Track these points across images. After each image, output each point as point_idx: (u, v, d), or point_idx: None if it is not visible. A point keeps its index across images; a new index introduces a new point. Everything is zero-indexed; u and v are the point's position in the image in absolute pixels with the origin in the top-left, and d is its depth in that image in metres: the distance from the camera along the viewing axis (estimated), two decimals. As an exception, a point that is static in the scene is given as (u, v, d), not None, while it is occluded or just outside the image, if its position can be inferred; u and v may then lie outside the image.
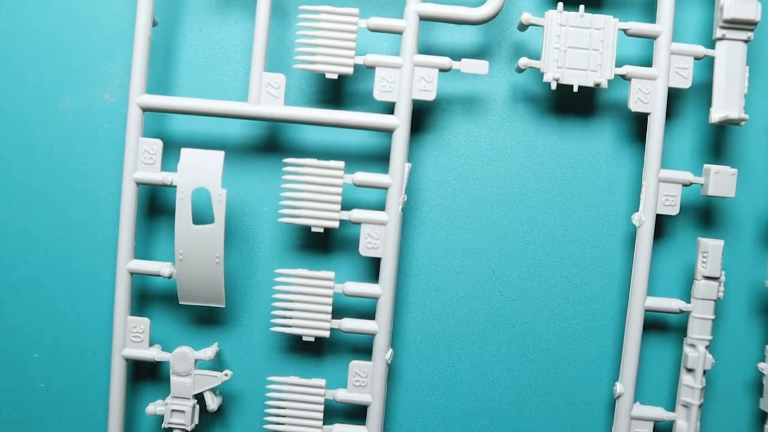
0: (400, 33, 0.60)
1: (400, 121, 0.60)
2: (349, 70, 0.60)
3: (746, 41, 0.60)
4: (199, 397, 0.62)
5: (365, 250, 0.61)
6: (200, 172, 0.59)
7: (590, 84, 0.61)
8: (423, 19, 0.60)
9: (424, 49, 0.62)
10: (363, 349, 0.63)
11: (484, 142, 0.64)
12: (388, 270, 0.61)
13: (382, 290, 0.61)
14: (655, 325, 0.64)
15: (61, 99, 0.64)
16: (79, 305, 0.65)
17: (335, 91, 0.63)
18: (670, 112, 0.63)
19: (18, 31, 0.64)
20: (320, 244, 0.64)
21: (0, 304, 0.65)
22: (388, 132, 0.61)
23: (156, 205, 0.64)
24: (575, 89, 0.60)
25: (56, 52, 0.64)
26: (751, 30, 0.60)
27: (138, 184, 0.61)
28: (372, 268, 0.63)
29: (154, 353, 0.62)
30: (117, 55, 0.64)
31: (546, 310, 0.64)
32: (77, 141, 0.64)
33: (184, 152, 0.59)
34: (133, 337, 0.62)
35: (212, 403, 0.62)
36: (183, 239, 0.59)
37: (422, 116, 0.64)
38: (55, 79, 0.64)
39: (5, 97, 0.64)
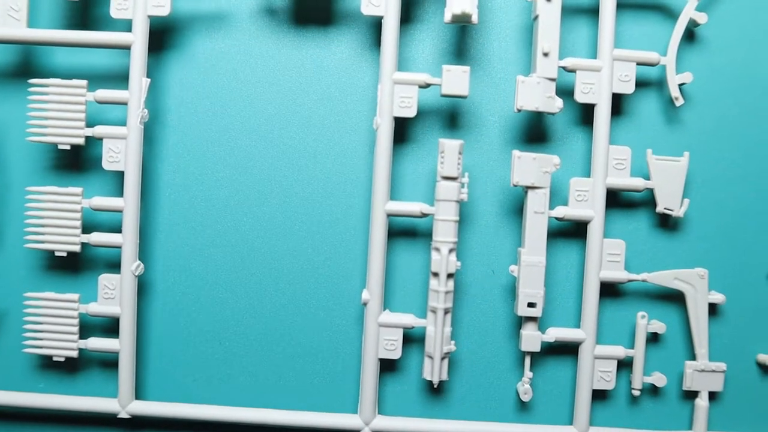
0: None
1: (136, 37, 0.62)
2: (89, -8, 0.62)
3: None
4: (-36, 316, 0.64)
5: (107, 164, 0.62)
6: (-57, 93, 0.62)
7: (322, -9, 0.61)
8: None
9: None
10: (116, 263, 0.64)
11: (227, 57, 0.65)
12: (131, 183, 0.62)
13: (126, 203, 0.62)
14: (406, 232, 0.64)
15: None
16: None
17: (82, 15, 0.65)
18: (409, 17, 0.63)
19: None
20: (71, 163, 0.65)
21: None
22: (127, 49, 0.62)
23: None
24: (309, -2, 0.61)
25: None
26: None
27: None
28: (121, 185, 0.64)
29: None
30: None
31: (295, 223, 0.64)
32: None
33: (-72, 76, 0.62)
34: None
35: (-27, 320, 0.64)
36: (-68, 160, 0.62)
37: (164, 35, 0.65)
38: None
39: None
